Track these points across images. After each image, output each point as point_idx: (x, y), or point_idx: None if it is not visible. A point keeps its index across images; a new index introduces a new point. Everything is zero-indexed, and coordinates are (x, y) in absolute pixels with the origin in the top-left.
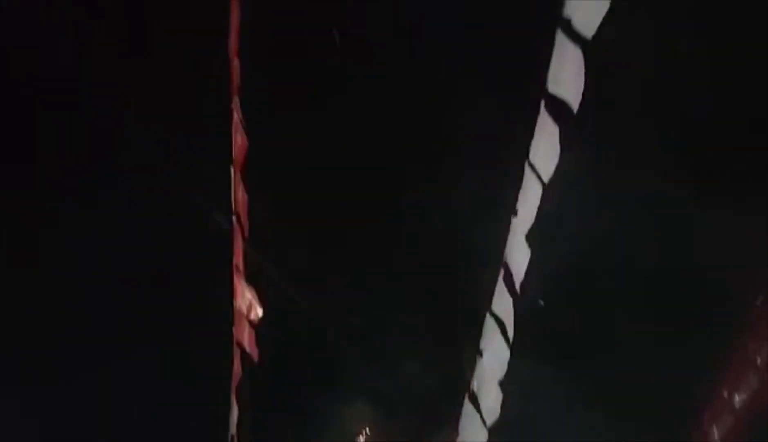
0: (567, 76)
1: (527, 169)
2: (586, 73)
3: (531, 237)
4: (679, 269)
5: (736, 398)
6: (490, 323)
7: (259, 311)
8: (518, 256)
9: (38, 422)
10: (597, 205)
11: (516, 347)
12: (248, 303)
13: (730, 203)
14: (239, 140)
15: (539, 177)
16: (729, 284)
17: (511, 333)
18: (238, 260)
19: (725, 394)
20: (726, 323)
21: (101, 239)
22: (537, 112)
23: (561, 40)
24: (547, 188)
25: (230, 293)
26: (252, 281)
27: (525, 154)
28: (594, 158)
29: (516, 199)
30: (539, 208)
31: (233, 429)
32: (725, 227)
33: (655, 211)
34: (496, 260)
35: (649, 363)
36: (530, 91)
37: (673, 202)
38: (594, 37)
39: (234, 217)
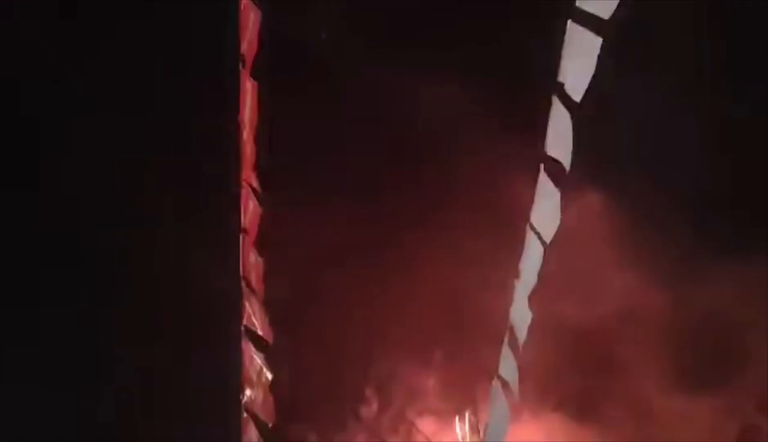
0: (561, 138)
1: (529, 232)
2: (574, 136)
3: (533, 299)
4: (689, 321)
5: None
6: (496, 386)
7: (269, 375)
8: (521, 318)
9: None
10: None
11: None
12: (258, 368)
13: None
14: (251, 207)
15: (541, 239)
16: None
17: (515, 393)
18: (249, 322)
19: None
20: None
21: (109, 304)
22: (537, 173)
23: (556, 104)
24: (548, 249)
25: (240, 358)
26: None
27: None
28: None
29: (518, 261)
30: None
31: None
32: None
33: (664, 266)
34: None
35: (657, 421)
36: (530, 153)
37: (677, 257)
38: (582, 100)
39: (244, 283)
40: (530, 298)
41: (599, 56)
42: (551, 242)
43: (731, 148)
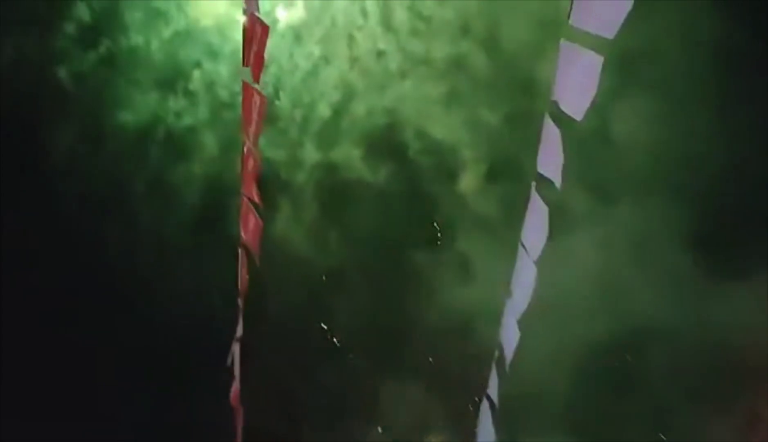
0: (552, 156)
1: (520, 249)
2: (565, 153)
3: (523, 321)
4: (685, 346)
5: None
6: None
7: None
8: (510, 338)
9: None
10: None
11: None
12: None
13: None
14: (252, 222)
15: (530, 256)
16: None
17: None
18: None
19: None
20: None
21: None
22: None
23: (548, 122)
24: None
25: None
26: None
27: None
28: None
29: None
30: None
31: None
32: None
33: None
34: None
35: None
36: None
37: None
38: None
39: (240, 299)
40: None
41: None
42: (539, 259)
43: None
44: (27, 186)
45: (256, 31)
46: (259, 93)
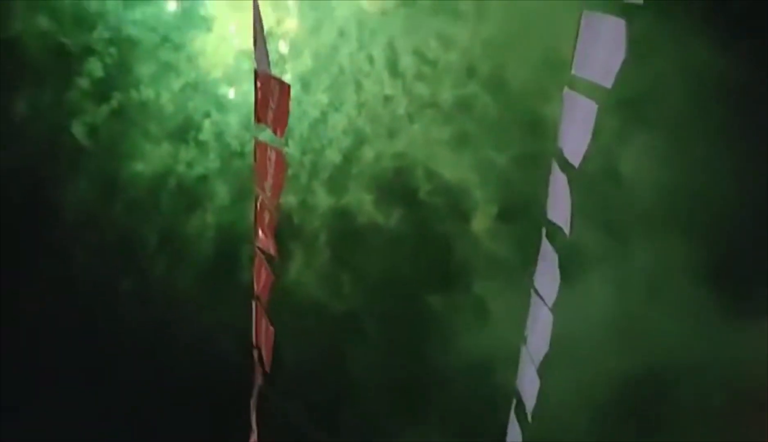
0: (560, 202)
1: (533, 295)
2: (573, 200)
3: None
4: (706, 384)
5: None
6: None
7: None
8: (529, 386)
9: None
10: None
11: None
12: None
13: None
14: (264, 275)
15: (545, 302)
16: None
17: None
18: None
19: None
20: None
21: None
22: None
23: (555, 168)
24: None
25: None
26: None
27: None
28: None
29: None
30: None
31: None
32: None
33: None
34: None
35: None
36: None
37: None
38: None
39: (256, 352)
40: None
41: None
42: (553, 305)
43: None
44: (41, 239)
45: (273, 89)
46: (275, 149)
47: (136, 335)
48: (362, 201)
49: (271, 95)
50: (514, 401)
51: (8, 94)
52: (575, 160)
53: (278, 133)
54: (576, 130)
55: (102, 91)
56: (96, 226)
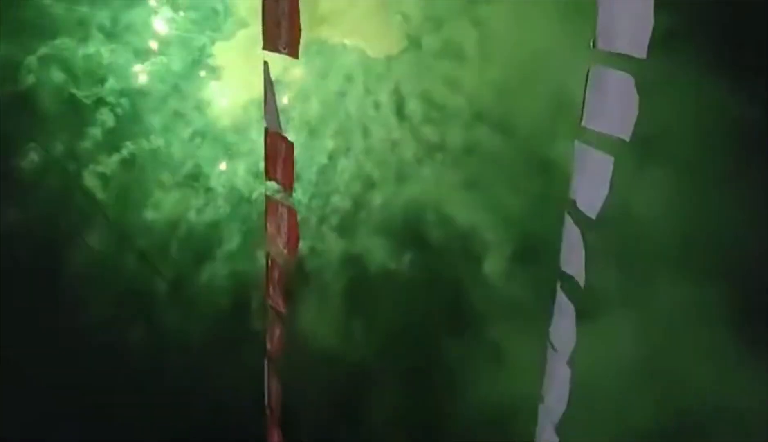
0: (574, 255)
1: (549, 349)
2: (586, 252)
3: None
4: (735, 425)
5: None
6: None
7: None
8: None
9: None
10: None
11: None
12: None
13: None
14: (277, 333)
15: (561, 357)
16: None
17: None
18: None
19: None
20: None
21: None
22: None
23: (568, 221)
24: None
25: None
26: None
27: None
28: None
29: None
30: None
31: None
32: None
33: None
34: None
35: None
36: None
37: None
38: (597, 217)
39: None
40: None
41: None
42: (570, 359)
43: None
44: (52, 289)
45: (280, 149)
46: (288, 206)
47: (148, 390)
48: (373, 245)
49: (278, 153)
50: None
51: (22, 145)
52: (592, 212)
53: (286, 187)
54: (591, 182)
55: (113, 141)
56: (107, 275)
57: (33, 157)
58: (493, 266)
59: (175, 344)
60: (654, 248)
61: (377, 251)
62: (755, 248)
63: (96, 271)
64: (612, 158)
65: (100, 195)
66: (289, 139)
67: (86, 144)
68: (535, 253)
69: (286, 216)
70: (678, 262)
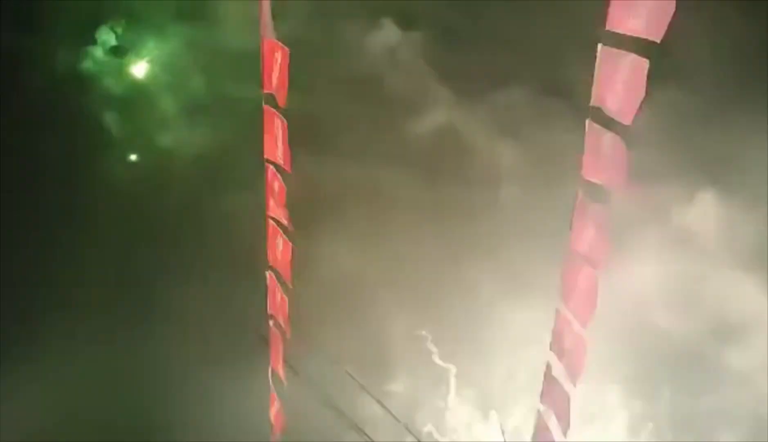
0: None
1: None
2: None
3: None
4: None
5: None
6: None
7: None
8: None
9: None
10: None
11: None
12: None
13: None
14: (280, 244)
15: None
16: None
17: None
18: (275, 365)
19: None
20: None
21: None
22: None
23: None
24: None
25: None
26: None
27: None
28: None
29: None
30: None
31: None
32: None
33: None
34: None
35: None
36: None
37: None
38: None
39: (272, 322)
40: None
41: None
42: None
43: None
44: None
45: (276, 57)
46: (281, 117)
47: None
48: None
49: (274, 61)
50: None
51: None
52: (624, 117)
53: (279, 99)
54: (620, 86)
55: None
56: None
57: None
58: None
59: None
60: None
61: None
62: None
63: None
64: (647, 60)
65: None
66: (283, 45)
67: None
68: None
69: (281, 127)
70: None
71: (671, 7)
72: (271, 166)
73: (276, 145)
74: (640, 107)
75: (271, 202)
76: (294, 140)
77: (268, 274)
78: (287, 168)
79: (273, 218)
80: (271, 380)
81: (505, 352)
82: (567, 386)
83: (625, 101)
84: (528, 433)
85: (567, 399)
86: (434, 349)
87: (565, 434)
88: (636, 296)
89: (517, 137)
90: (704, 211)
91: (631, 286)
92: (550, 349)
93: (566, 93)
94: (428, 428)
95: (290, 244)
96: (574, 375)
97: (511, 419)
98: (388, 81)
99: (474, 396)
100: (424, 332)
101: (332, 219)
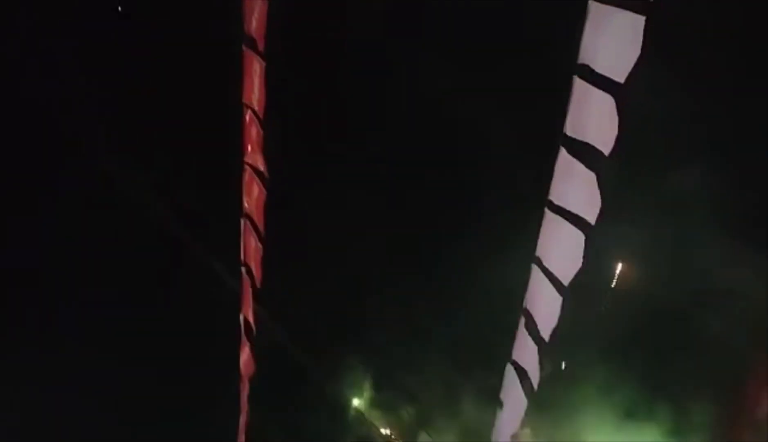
0: (593, 121)
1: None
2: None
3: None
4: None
5: None
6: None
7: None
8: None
9: None
10: None
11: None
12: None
13: None
14: (255, 191)
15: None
16: None
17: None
18: (246, 312)
19: None
20: None
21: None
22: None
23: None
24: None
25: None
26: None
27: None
28: None
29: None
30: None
31: None
32: None
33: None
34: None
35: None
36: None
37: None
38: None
39: (244, 269)
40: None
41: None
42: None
43: None
44: None
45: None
46: (259, 60)
47: None
48: None
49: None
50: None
51: None
52: (619, 75)
53: (258, 41)
54: (612, 44)
55: None
56: None
57: None
58: None
59: None
60: None
61: None
62: None
63: None
64: (643, 18)
65: None
66: None
67: None
68: None
69: (258, 70)
70: None
71: None
72: (249, 111)
73: (253, 89)
74: (636, 66)
75: (249, 148)
76: None
77: (243, 221)
78: (261, 113)
79: (249, 165)
80: (242, 327)
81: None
82: (540, 341)
83: (618, 58)
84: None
85: (537, 354)
86: None
87: (534, 387)
88: (620, 257)
89: None
90: (696, 177)
91: (616, 246)
92: (525, 304)
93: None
94: None
95: (264, 190)
96: (546, 331)
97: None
98: None
99: None
100: None
101: None
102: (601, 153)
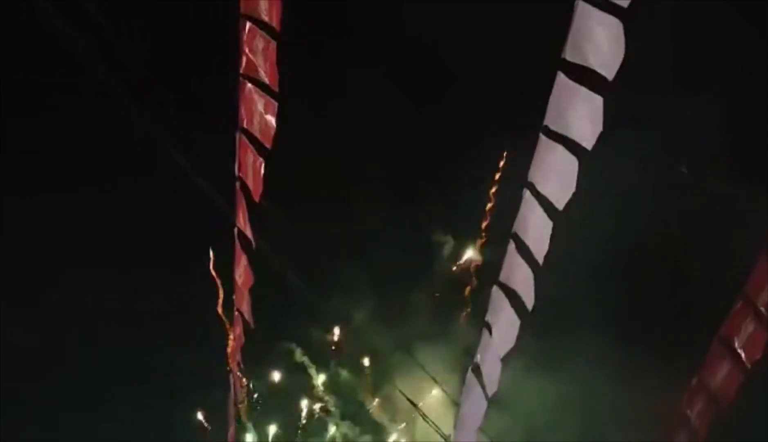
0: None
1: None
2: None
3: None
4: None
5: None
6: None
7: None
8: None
9: None
10: None
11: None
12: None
13: None
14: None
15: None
16: None
17: (528, 304)
18: (242, 225)
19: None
20: None
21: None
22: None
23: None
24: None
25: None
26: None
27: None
28: None
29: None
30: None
31: None
32: None
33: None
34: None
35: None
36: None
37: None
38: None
39: (238, 183)
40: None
41: None
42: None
43: None
44: None
45: (257, 45)
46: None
47: None
48: None
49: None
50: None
51: None
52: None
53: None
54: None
55: None
56: None
57: None
58: None
59: None
60: None
61: None
62: None
63: None
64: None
65: None
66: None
67: None
68: None
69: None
70: None
71: None
72: (249, 22)
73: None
74: None
75: (249, 59)
76: None
77: (238, 135)
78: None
79: (248, 76)
80: (237, 240)
81: None
82: (533, 264)
83: None
84: None
85: (530, 278)
86: None
87: (529, 311)
88: (615, 190)
89: None
90: (696, 117)
91: (613, 180)
92: (514, 228)
93: None
94: None
95: (261, 160)
96: (539, 254)
97: None
98: None
99: None
100: None
101: None
102: (603, 78)
